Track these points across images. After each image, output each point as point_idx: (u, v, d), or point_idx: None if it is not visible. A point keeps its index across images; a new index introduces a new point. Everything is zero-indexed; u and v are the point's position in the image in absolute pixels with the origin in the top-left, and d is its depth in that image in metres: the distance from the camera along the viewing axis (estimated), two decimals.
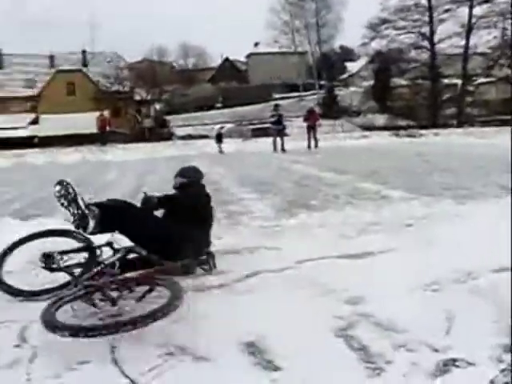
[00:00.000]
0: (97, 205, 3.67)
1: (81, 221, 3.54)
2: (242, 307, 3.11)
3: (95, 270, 3.35)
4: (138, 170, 15.32)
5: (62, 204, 3.55)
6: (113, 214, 3.65)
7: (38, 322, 2.76)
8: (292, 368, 2.36)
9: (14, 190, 10.73)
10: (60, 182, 3.58)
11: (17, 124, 38.85)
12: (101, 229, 3.62)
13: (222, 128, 28.72)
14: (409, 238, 4.55)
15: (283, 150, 20.60)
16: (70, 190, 3.55)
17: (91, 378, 2.40)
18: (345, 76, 60.07)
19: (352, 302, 3.09)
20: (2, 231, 4.95)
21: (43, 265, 3.38)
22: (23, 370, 2.49)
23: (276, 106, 23.49)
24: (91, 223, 3.54)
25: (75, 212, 3.53)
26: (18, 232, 4.56)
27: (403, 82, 44.84)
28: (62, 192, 3.55)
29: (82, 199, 3.58)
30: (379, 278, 3.45)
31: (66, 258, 3.49)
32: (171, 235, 3.77)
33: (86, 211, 3.53)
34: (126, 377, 2.36)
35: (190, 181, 4.32)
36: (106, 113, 38.18)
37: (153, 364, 2.44)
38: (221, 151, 23.27)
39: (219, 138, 24.66)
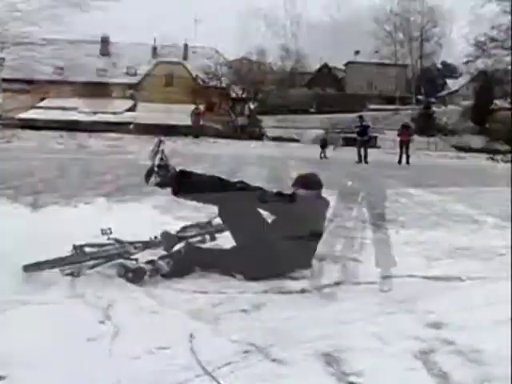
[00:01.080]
0: (183, 172, 3.78)
1: (147, 173, 3.71)
2: (321, 315, 3.08)
3: None
4: (228, 166, 15.55)
5: (150, 156, 3.73)
6: (202, 187, 3.72)
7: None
8: None
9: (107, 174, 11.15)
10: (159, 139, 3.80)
11: (115, 109, 40.31)
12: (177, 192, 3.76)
13: (326, 133, 28.97)
14: (500, 267, 4.34)
15: (366, 161, 20.51)
16: (157, 148, 3.72)
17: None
18: (443, 93, 58.64)
19: (435, 326, 2.98)
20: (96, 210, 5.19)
21: None
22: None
23: (360, 117, 23.70)
24: (153, 179, 3.69)
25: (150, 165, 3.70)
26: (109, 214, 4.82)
27: (506, 105, 43.14)
28: (153, 146, 3.75)
29: (162, 159, 3.70)
30: (465, 305, 3.32)
31: None
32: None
33: (156, 169, 3.66)
34: (202, 368, 2.37)
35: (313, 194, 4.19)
36: (202, 107, 39.02)
37: (229, 359, 2.45)
38: (324, 156, 23.74)
39: (324, 144, 25.01)
